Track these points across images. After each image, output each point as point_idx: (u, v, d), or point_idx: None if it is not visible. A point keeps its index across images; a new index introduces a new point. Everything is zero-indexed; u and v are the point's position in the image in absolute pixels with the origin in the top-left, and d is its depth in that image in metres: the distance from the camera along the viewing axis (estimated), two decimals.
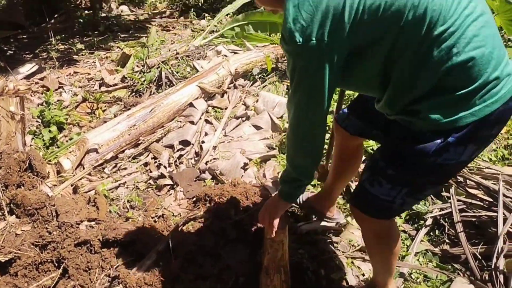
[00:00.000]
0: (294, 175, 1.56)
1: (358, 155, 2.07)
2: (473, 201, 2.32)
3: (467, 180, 2.42)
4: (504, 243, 2.00)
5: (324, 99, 1.33)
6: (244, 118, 3.39)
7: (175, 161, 2.99)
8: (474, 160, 2.70)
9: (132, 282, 1.97)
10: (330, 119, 2.55)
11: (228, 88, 3.85)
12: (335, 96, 2.31)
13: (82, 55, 5.39)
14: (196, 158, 3.01)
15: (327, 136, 2.26)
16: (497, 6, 3.75)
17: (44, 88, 4.23)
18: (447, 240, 2.22)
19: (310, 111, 1.37)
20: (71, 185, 2.74)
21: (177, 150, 3.09)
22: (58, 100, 3.94)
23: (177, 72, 4.10)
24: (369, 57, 1.28)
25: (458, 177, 2.45)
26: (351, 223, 2.29)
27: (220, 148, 3.05)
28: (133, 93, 4.07)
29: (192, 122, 3.38)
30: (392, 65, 1.26)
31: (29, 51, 5.65)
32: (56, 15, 6.94)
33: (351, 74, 1.35)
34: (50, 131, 3.27)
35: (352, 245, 2.22)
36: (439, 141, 1.25)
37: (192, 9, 6.85)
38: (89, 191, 2.72)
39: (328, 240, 2.23)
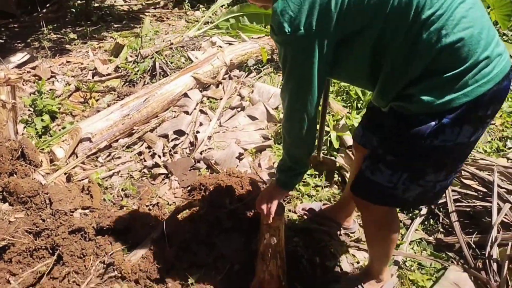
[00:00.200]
0: (290, 163, 1.59)
1: None
2: (468, 192, 2.33)
3: (462, 171, 2.44)
4: (498, 232, 2.02)
5: (314, 88, 1.35)
6: (239, 109, 3.37)
7: (170, 151, 2.97)
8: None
9: (127, 269, 1.97)
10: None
11: (223, 79, 3.82)
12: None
13: (74, 44, 5.32)
14: (191, 148, 2.99)
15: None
16: (493, 1, 3.77)
17: (36, 77, 4.17)
18: (441, 230, 2.23)
19: (300, 99, 1.39)
20: (65, 174, 2.71)
21: (172, 140, 3.07)
22: (50, 89, 3.89)
23: (171, 63, 4.06)
24: (358, 46, 1.30)
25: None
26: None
27: (215, 138, 3.03)
28: (127, 83, 4.03)
29: (186, 112, 3.36)
30: (383, 52, 1.27)
31: (20, 40, 5.55)
32: (48, 5, 6.83)
33: (341, 64, 1.37)
34: (42, 120, 3.23)
35: (347, 235, 2.23)
36: (433, 123, 1.27)
37: (187, 0, 6.78)
38: (82, 179, 2.69)
39: (324, 229, 2.23)
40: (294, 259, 2.01)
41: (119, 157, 2.95)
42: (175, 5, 6.98)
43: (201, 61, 3.83)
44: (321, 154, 2.59)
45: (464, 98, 1.22)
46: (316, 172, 2.61)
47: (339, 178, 2.61)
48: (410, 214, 2.32)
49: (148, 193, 2.53)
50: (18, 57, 4.56)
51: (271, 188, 1.69)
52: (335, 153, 2.74)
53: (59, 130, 3.26)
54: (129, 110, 3.20)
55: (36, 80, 3.98)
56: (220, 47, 4.25)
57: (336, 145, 2.73)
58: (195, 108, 3.43)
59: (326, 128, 2.73)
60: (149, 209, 2.39)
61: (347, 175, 2.57)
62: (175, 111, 3.41)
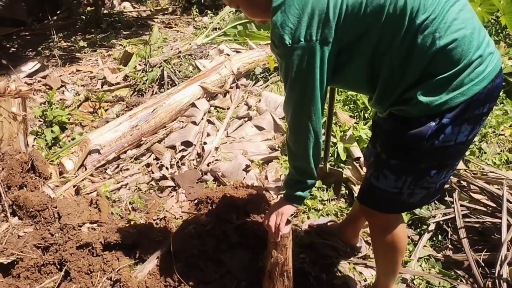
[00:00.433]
0: (297, 177, 1.58)
1: None
2: (477, 207, 2.30)
3: (471, 185, 2.41)
4: (508, 250, 1.99)
5: (317, 99, 1.37)
6: (246, 119, 3.38)
7: (177, 162, 2.98)
8: (478, 164, 2.69)
9: (133, 286, 1.97)
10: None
11: (231, 87, 3.83)
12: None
13: (84, 52, 5.38)
14: (198, 159, 3.00)
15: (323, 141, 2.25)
16: (503, 7, 3.73)
17: (47, 87, 4.22)
18: (450, 246, 2.21)
19: (304, 111, 1.40)
20: (73, 186, 2.73)
21: (179, 151, 3.08)
22: (60, 99, 3.94)
23: (179, 72, 4.08)
24: (356, 54, 1.33)
25: (461, 182, 2.44)
26: None
27: (222, 149, 3.04)
28: (135, 93, 4.06)
29: (194, 123, 3.37)
30: (381, 59, 1.31)
31: (31, 49, 5.64)
32: (58, 12, 6.92)
33: (341, 72, 1.39)
34: (52, 131, 3.27)
35: (353, 251, 2.21)
36: (433, 123, 1.30)
37: (195, 6, 6.81)
38: (91, 192, 2.72)
39: (330, 243, 2.21)
40: (301, 276, 2.00)
41: (127, 169, 2.97)
42: (183, 11, 7.04)
43: (209, 70, 3.85)
44: (328, 165, 2.58)
45: (461, 97, 1.26)
46: (324, 186, 2.59)
47: (346, 191, 2.60)
48: (418, 230, 2.30)
49: (156, 207, 2.55)
50: (29, 66, 4.63)
51: (280, 204, 1.66)
52: (342, 164, 2.73)
53: (69, 141, 3.30)
54: (138, 121, 3.22)
55: (47, 90, 4.04)
56: (228, 55, 4.26)
57: (343, 157, 2.71)
58: (202, 118, 3.44)
59: (333, 139, 2.71)
60: (156, 223, 2.40)
61: (355, 188, 2.56)
62: (182, 121, 3.42)
